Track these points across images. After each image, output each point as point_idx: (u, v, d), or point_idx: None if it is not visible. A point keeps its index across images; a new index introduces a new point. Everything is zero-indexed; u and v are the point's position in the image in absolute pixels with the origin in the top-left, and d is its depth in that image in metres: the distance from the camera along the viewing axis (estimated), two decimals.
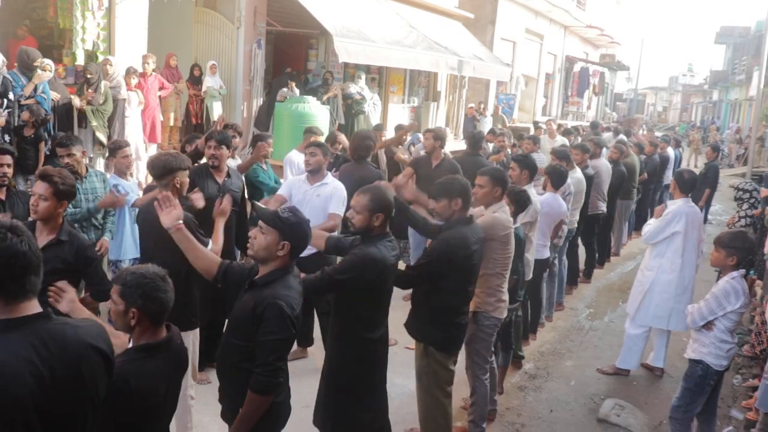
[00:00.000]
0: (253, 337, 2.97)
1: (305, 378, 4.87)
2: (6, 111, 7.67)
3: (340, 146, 7.86)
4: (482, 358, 4.72)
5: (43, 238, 3.68)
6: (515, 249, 4.77)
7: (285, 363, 3.03)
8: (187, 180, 4.37)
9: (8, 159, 4.83)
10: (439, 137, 7.47)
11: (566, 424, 5.43)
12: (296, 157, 7.33)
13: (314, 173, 5.59)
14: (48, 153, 7.69)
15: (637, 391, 6.17)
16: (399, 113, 17.45)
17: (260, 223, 3.13)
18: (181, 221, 3.45)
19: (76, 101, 8.95)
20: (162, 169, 4.22)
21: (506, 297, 4.72)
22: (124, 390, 2.36)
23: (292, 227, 3.10)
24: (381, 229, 3.72)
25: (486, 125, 17.11)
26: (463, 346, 4.56)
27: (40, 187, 3.76)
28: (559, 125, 15.92)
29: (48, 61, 8.65)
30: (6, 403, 1.82)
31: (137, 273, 2.58)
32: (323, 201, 5.47)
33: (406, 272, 4.24)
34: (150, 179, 6.48)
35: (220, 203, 4.22)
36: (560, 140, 12.46)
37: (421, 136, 14.44)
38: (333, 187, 5.58)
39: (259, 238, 3.10)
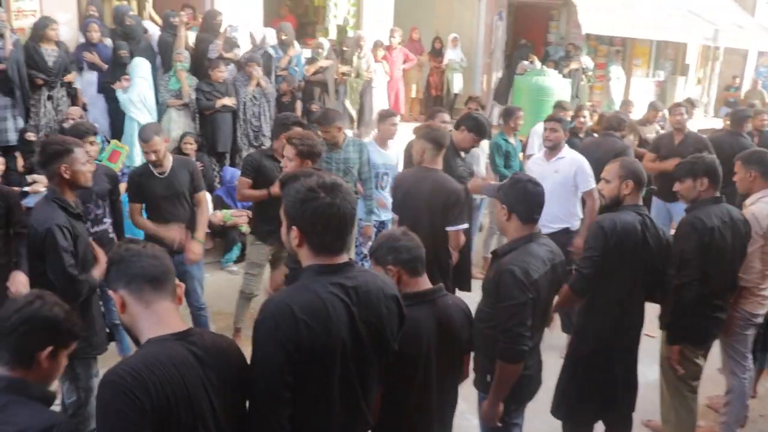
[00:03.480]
0: (495, 305, 3.05)
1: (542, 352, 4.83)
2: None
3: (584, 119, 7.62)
4: (739, 354, 4.35)
5: None
6: None
7: (528, 329, 2.99)
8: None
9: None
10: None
11: None
12: (542, 130, 7.24)
13: (552, 149, 5.58)
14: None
15: None
16: (643, 88, 16.44)
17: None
18: None
19: (345, 68, 9.54)
20: (443, 141, 4.52)
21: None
22: None
23: (506, 192, 3.15)
24: (632, 198, 3.60)
25: None
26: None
27: (288, 150, 4.29)
28: None
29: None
30: (331, 339, 2.03)
31: (386, 235, 2.78)
32: (563, 176, 5.43)
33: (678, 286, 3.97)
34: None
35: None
36: None
37: (667, 112, 13.49)
38: (571, 159, 5.52)
39: (495, 214, 3.22)
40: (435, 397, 2.76)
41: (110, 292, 1.97)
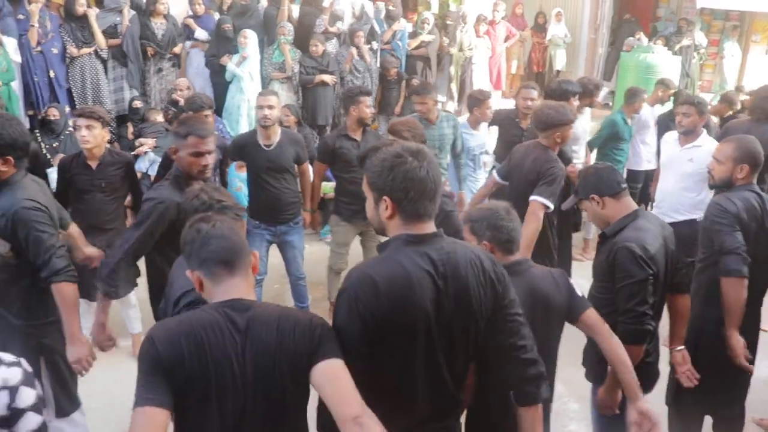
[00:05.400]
0: (611, 287, 2.95)
1: None
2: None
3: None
4: None
5: None
6: None
7: (650, 307, 2.88)
8: (569, 134, 4.42)
9: (369, 100, 5.27)
10: None
11: None
12: (643, 111, 6.96)
13: (687, 135, 5.12)
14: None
15: None
16: (761, 66, 15.49)
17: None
18: None
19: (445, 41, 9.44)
20: (544, 124, 4.32)
21: None
22: None
23: (584, 184, 3.13)
24: (744, 181, 3.39)
25: None
26: None
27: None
28: None
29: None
30: (413, 311, 1.99)
31: (482, 208, 2.77)
32: (697, 167, 4.93)
33: None
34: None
35: None
36: None
37: None
38: (708, 151, 4.77)
39: (590, 215, 3.21)
40: None
41: (188, 272, 2.08)
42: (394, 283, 1.97)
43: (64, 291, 3.04)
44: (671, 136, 5.40)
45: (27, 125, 6.60)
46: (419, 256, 2.02)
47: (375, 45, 8.60)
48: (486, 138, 6.20)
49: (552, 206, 4.25)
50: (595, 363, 3.09)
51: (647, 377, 3.09)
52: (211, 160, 3.54)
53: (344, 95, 5.49)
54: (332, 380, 1.92)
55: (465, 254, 2.11)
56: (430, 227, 2.09)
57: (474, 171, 6.12)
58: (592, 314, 2.71)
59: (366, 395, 2.00)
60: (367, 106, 5.17)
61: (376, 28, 8.77)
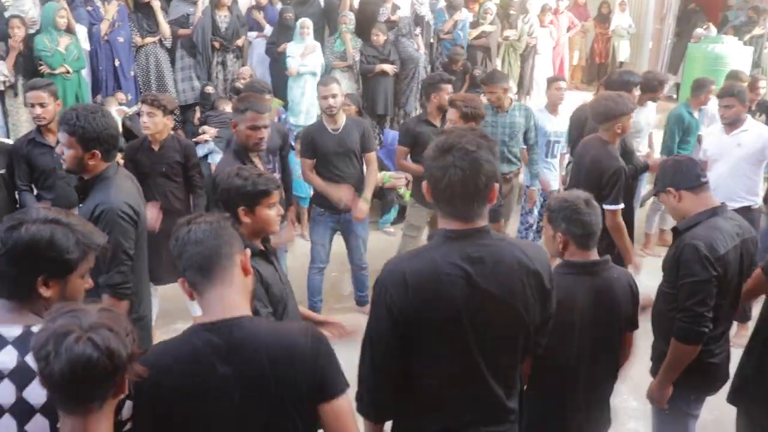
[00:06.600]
0: (676, 283, 2.89)
1: None
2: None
3: (762, 91, 7.04)
4: None
5: None
6: None
7: (710, 310, 2.80)
8: (630, 124, 4.30)
9: (450, 88, 5.32)
10: None
11: None
12: (711, 103, 6.77)
13: (732, 124, 5.24)
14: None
15: None
16: None
17: None
18: None
19: (511, 32, 9.38)
20: (602, 115, 4.21)
21: None
22: None
23: (662, 176, 3.08)
24: None
25: None
26: None
27: (451, 113, 4.30)
28: None
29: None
30: (439, 307, 1.96)
31: (560, 198, 2.69)
32: (746, 150, 5.14)
33: None
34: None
35: None
36: None
37: None
38: (757, 133, 5.15)
39: (668, 207, 3.15)
40: (588, 369, 2.66)
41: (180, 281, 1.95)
42: (423, 281, 1.96)
43: (114, 305, 2.91)
44: (716, 128, 5.57)
45: None
46: (455, 253, 1.98)
47: (418, 30, 8.57)
48: (565, 126, 6.13)
49: (622, 204, 4.20)
50: (662, 361, 3.01)
51: (710, 378, 3.02)
52: (266, 133, 3.87)
53: (425, 82, 5.61)
54: (336, 422, 1.86)
55: (512, 253, 2.04)
56: (473, 223, 2.02)
57: (546, 156, 6.12)
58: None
59: (406, 393, 2.05)
60: (448, 93, 5.21)
61: (431, 16, 8.72)
